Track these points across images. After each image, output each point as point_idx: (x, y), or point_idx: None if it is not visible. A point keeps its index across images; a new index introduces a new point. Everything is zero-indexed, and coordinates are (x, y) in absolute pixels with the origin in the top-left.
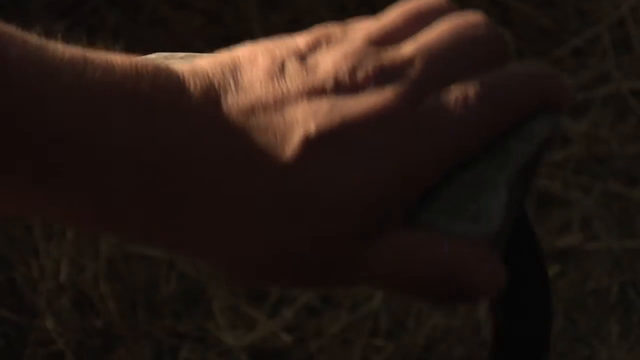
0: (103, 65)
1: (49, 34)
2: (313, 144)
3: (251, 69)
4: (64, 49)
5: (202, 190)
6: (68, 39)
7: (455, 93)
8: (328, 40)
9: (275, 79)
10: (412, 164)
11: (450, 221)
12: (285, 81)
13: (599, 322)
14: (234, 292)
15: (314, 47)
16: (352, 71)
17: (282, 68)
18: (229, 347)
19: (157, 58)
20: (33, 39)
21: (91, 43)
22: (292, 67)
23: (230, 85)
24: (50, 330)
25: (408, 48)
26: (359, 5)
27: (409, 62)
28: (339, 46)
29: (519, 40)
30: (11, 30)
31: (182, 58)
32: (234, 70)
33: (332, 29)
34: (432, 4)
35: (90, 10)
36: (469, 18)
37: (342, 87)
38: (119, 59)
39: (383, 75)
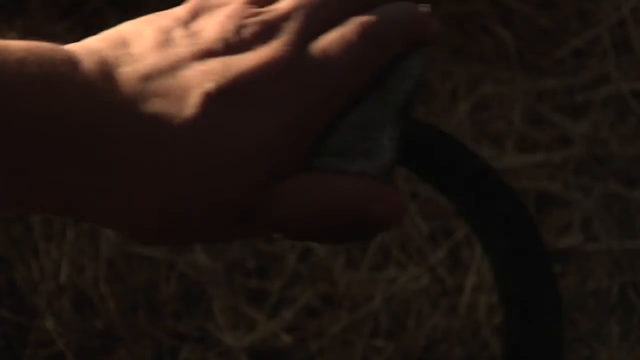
0: (2, 50)
1: (49, 34)
2: (212, 102)
3: (139, 40)
4: None
5: (108, 158)
6: (68, 39)
7: (334, 35)
8: (208, 7)
9: (165, 47)
10: (308, 108)
11: (346, 161)
12: (175, 47)
13: (599, 323)
14: (234, 293)
15: (196, 13)
16: (237, 30)
17: (169, 36)
18: (229, 348)
19: None
20: None
21: None
22: (178, 34)
23: (121, 58)
24: (51, 331)
25: (284, 2)
26: None
27: (288, 14)
28: (220, 10)
29: (519, 40)
30: None
31: None
32: (123, 44)
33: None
34: None
35: (91, 10)
36: None
37: (231, 46)
38: (16, 42)
39: (267, 30)
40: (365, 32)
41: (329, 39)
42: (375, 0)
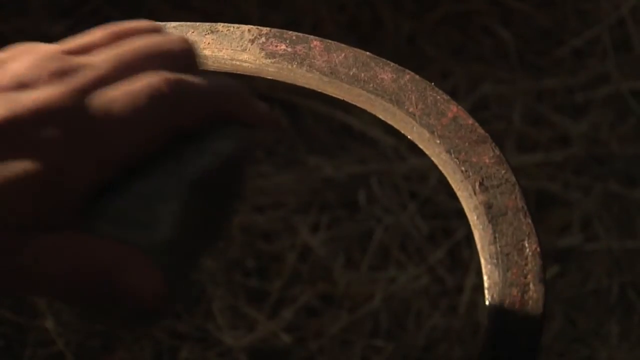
0: None
1: (49, 33)
2: None
3: None
4: None
5: None
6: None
7: (129, 88)
8: (29, 52)
9: None
10: (76, 160)
11: (116, 228)
12: None
13: (599, 323)
14: (233, 292)
15: (14, 57)
16: (34, 69)
17: None
18: (229, 348)
19: None
20: None
21: None
22: None
23: None
24: (50, 331)
25: (96, 53)
26: (359, 5)
27: (90, 62)
28: (35, 53)
29: (519, 40)
30: None
31: (174, 27)
32: None
33: (40, 44)
34: (136, 26)
35: (90, 10)
36: (167, 36)
37: (23, 84)
38: None
39: (63, 74)
40: (156, 92)
41: (118, 92)
42: (195, 71)
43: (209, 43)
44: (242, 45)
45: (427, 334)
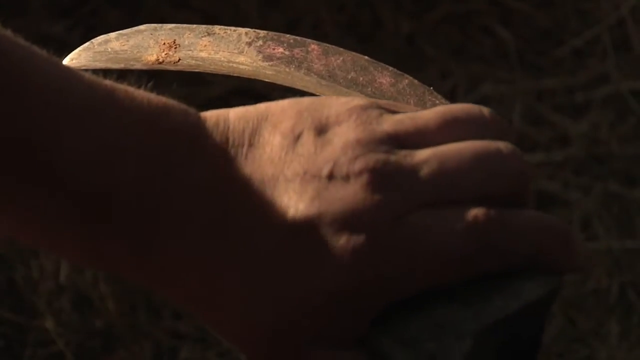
0: (126, 103)
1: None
2: (291, 233)
3: (271, 133)
4: (99, 84)
5: (192, 244)
6: (68, 39)
7: (446, 217)
8: (357, 120)
9: (284, 151)
10: (377, 276)
11: (406, 355)
12: (291, 156)
13: (599, 323)
14: None
15: (340, 121)
16: (354, 159)
17: (297, 140)
18: (229, 348)
19: (146, 29)
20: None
21: None
22: (306, 140)
23: (243, 146)
24: (50, 331)
25: (422, 155)
26: (358, 5)
27: (414, 170)
28: (361, 129)
29: (519, 40)
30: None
31: (171, 29)
32: (254, 131)
33: (371, 107)
34: (472, 114)
35: (90, 10)
36: (502, 145)
37: (337, 174)
38: (148, 97)
39: (380, 176)
40: (480, 233)
41: (437, 218)
42: (524, 201)
43: (205, 45)
44: (239, 48)
45: None
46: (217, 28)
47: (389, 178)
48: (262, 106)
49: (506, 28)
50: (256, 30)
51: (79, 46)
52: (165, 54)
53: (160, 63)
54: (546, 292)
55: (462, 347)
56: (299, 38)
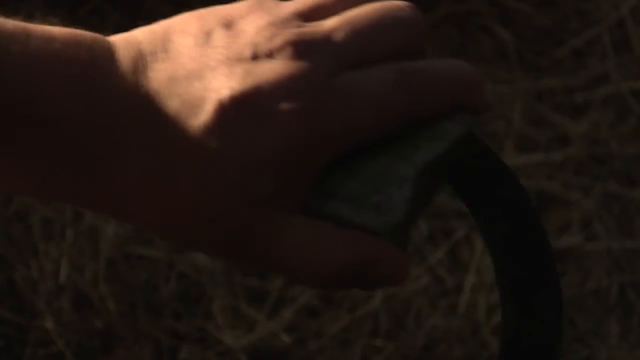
0: (44, 36)
1: None
2: (226, 110)
3: (181, 36)
4: (5, 21)
5: (122, 157)
6: None
7: (373, 73)
8: (259, 9)
9: (199, 47)
10: (321, 134)
11: (353, 211)
12: (208, 49)
13: (599, 323)
14: (233, 292)
15: (243, 15)
16: (271, 38)
17: (208, 36)
18: (229, 348)
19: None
20: None
21: None
22: (217, 35)
23: (158, 54)
24: (50, 331)
25: (332, 22)
26: None
27: (330, 35)
28: (267, 15)
29: (519, 40)
30: None
31: None
32: (165, 39)
33: (270, 2)
34: None
35: (90, 10)
36: (398, 2)
37: (260, 53)
38: (58, 30)
39: (303, 45)
40: (406, 82)
41: (366, 75)
42: (423, 46)
43: None
44: None
45: (427, 334)
46: None
47: (310, 45)
48: (163, 22)
49: (506, 28)
50: None
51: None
52: None
53: None
54: (466, 130)
55: (405, 193)
56: None
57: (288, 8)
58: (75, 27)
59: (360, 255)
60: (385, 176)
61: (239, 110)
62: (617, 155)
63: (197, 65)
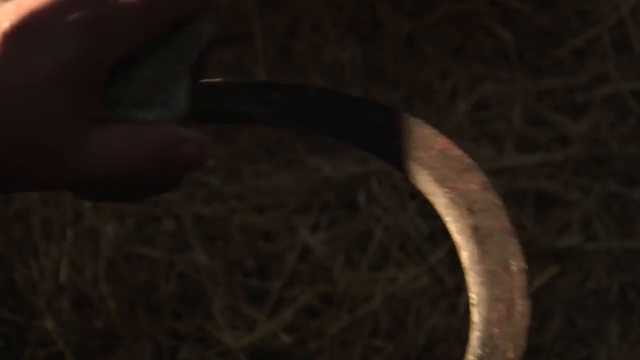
0: None
1: None
2: (6, 39)
3: None
4: None
5: None
6: None
7: None
8: None
9: None
10: (97, 43)
11: (144, 111)
12: None
13: (599, 323)
14: (233, 292)
15: None
16: None
17: None
18: (229, 348)
19: None
20: None
21: None
22: None
23: None
24: (50, 331)
25: None
26: (359, 5)
27: None
28: None
29: (519, 40)
30: None
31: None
32: None
33: None
34: None
35: None
36: None
37: None
38: None
39: None
40: None
41: None
42: None
43: None
44: None
45: (427, 334)
46: None
47: None
48: None
49: (506, 28)
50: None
51: None
52: None
53: None
54: (214, 28)
55: (183, 86)
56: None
57: None
58: None
59: (169, 138)
60: (162, 76)
61: (18, 37)
62: (617, 155)
63: None
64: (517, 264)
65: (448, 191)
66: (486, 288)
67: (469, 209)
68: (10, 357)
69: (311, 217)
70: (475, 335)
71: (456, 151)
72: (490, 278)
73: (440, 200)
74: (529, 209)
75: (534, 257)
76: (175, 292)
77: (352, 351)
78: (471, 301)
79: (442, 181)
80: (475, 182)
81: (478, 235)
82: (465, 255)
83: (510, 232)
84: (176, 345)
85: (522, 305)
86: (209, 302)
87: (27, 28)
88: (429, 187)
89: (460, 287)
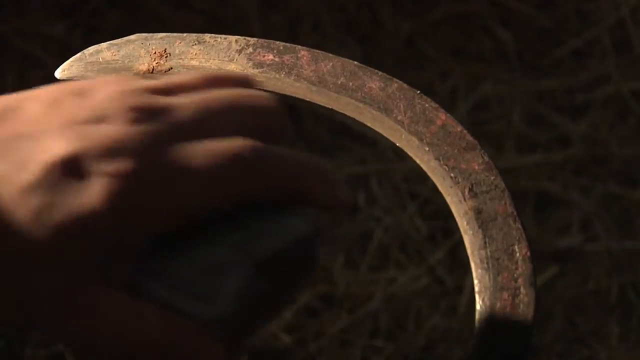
0: None
1: (49, 34)
2: (50, 170)
3: (31, 103)
4: None
5: None
6: (68, 39)
7: (208, 146)
8: (116, 83)
9: (45, 112)
10: (142, 203)
11: (174, 295)
12: (53, 113)
13: (599, 323)
14: None
15: (98, 86)
16: (112, 102)
17: (57, 101)
18: None
19: (137, 39)
20: None
21: (91, 43)
22: (66, 100)
23: (2, 121)
24: None
25: (181, 98)
26: (359, 5)
27: (173, 105)
28: (121, 86)
29: (519, 40)
30: None
31: (161, 39)
32: (16, 107)
33: (128, 78)
34: (228, 75)
35: (90, 10)
36: (259, 93)
37: (99, 117)
38: None
39: (141, 111)
40: (238, 157)
41: (198, 147)
42: (282, 137)
43: (196, 54)
44: (229, 56)
45: (427, 334)
46: (207, 36)
47: (148, 112)
48: (25, 91)
49: (506, 28)
50: (246, 37)
51: (78, 47)
52: (157, 63)
53: (151, 72)
54: (313, 228)
55: (234, 285)
56: (289, 45)
57: (144, 82)
58: (76, 28)
59: (167, 336)
60: (216, 264)
61: (64, 171)
62: (617, 156)
63: (36, 127)
64: (521, 251)
65: (450, 170)
66: (490, 275)
67: (472, 190)
68: (10, 357)
69: None
70: (479, 325)
71: (458, 127)
72: (495, 265)
73: (441, 180)
74: (529, 209)
75: (534, 257)
76: None
77: (352, 351)
78: (475, 288)
79: (443, 159)
80: (478, 162)
81: (481, 218)
82: (468, 239)
83: (514, 218)
84: None
85: (527, 295)
86: None
87: (71, 164)
88: (429, 164)
89: (460, 287)
